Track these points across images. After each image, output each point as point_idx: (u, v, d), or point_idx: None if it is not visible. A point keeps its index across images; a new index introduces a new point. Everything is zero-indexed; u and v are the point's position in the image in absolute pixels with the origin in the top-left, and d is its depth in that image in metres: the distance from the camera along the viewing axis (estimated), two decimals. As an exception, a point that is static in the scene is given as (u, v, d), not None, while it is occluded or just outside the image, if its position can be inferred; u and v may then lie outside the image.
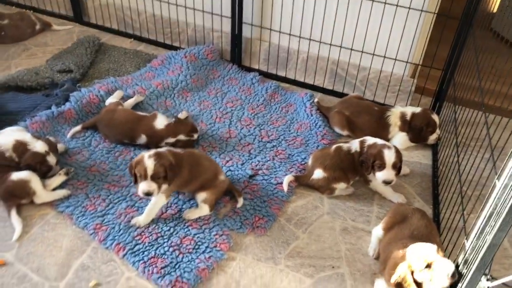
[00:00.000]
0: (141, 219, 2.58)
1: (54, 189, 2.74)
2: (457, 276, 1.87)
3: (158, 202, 2.58)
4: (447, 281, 1.89)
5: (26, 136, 2.75)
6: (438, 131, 3.27)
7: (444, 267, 1.90)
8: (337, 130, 3.38)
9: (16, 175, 2.60)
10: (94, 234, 2.53)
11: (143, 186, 2.44)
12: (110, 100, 3.33)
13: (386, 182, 2.75)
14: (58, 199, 2.69)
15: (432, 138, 3.28)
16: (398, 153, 2.76)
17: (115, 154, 3.05)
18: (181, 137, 3.04)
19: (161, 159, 2.46)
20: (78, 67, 3.76)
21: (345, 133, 3.36)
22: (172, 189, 2.60)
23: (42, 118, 3.15)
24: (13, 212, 2.56)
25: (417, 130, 3.23)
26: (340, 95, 3.74)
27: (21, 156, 2.69)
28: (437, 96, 3.53)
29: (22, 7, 4.75)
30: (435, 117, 3.25)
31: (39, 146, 2.72)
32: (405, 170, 3.08)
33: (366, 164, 2.76)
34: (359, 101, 3.45)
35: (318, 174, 2.85)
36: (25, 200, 2.62)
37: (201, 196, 2.65)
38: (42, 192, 2.64)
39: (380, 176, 2.74)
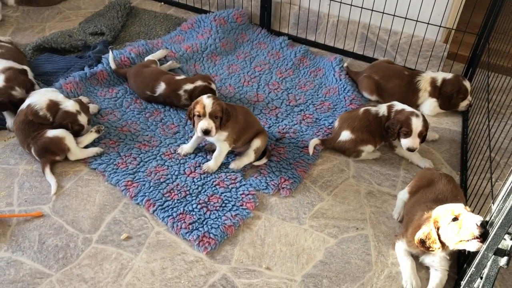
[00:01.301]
0: (211, 165, 2.71)
1: (86, 147, 2.83)
2: (486, 226, 1.86)
3: (223, 148, 2.69)
4: (476, 230, 1.88)
5: (58, 96, 2.83)
6: (469, 97, 3.20)
7: (472, 218, 1.91)
8: (366, 95, 3.35)
9: (51, 132, 2.70)
10: (125, 191, 2.63)
11: (202, 124, 2.53)
12: (149, 57, 3.41)
13: (410, 150, 2.74)
14: (91, 156, 2.79)
15: (463, 104, 3.22)
16: (425, 122, 2.73)
17: (146, 115, 3.12)
18: (199, 82, 3.07)
19: (218, 100, 2.58)
20: (109, 30, 3.82)
21: (373, 98, 3.33)
22: (232, 136, 2.68)
23: (75, 79, 3.24)
24: (47, 169, 2.68)
25: (447, 96, 3.17)
26: (370, 60, 3.69)
27: (55, 115, 2.78)
28: (470, 62, 3.44)
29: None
30: (466, 83, 3.18)
31: (70, 106, 2.80)
32: (434, 136, 3.05)
33: (392, 129, 2.75)
34: (389, 65, 3.40)
35: (345, 135, 2.85)
36: (59, 157, 2.74)
37: (255, 143, 2.74)
38: (76, 149, 2.75)
39: (405, 143, 2.73)
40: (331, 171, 2.83)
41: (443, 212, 2.01)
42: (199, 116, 2.55)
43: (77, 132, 2.85)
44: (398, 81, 3.25)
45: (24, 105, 2.79)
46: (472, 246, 1.91)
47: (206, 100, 2.54)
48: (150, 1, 4.44)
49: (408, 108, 2.79)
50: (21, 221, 2.48)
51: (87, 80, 3.29)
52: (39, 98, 2.80)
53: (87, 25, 3.92)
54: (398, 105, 2.83)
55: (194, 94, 3.04)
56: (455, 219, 1.97)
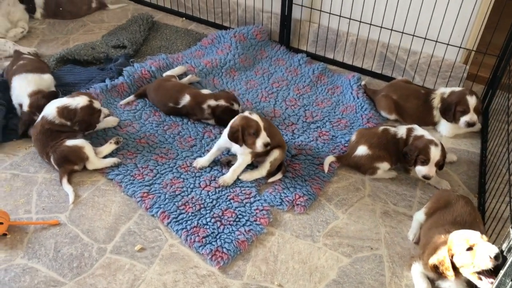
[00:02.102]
0: (227, 178, 2.72)
1: (105, 157, 2.87)
2: (500, 259, 1.82)
3: (244, 161, 2.73)
4: (490, 263, 1.84)
5: (63, 100, 2.85)
6: (472, 115, 3.06)
7: (487, 249, 1.87)
8: (384, 114, 3.34)
9: (70, 142, 2.75)
10: (141, 202, 2.65)
11: (264, 139, 2.62)
12: (168, 72, 3.47)
13: (426, 178, 2.72)
14: (109, 166, 2.83)
15: (463, 119, 3.07)
16: (443, 151, 2.71)
17: (164, 128, 3.15)
18: (222, 102, 3.10)
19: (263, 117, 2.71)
20: (131, 43, 3.89)
21: (392, 117, 3.32)
22: None
23: (96, 90, 3.31)
24: (64, 180, 2.72)
25: (446, 106, 3.11)
26: (389, 79, 3.68)
27: (71, 118, 2.82)
28: (490, 84, 3.40)
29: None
30: (470, 98, 3.05)
31: (81, 100, 2.84)
32: (451, 157, 3.02)
33: (410, 156, 2.73)
34: (407, 85, 3.39)
35: (362, 150, 2.84)
36: (77, 166, 2.78)
37: (273, 154, 2.76)
38: (95, 158, 2.79)
39: (421, 171, 2.71)
40: (347, 189, 2.81)
41: (458, 240, 1.98)
42: (254, 134, 2.61)
43: (97, 119, 2.91)
44: (415, 100, 3.23)
45: (39, 118, 2.86)
46: (484, 285, 1.87)
47: (257, 116, 2.65)
48: (172, 16, 4.52)
49: (428, 135, 2.76)
50: (38, 228, 2.52)
51: (107, 92, 3.35)
52: (48, 108, 2.84)
53: (110, 38, 4.00)
54: (418, 130, 2.81)
55: (216, 112, 3.08)
56: (469, 248, 1.93)
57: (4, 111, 3.07)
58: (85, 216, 2.59)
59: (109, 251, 2.42)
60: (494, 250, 1.85)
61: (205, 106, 3.11)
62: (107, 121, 3.08)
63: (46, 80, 3.23)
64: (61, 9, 4.37)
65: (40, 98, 3.01)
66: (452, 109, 3.07)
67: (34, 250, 2.41)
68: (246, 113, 2.66)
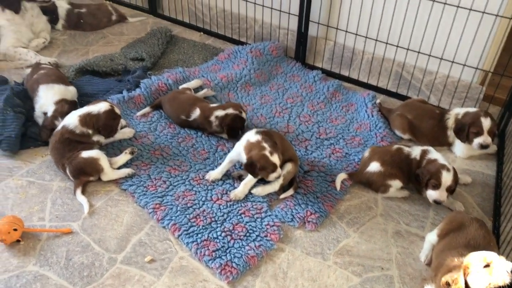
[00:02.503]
0: (239, 192, 2.73)
1: (119, 168, 2.91)
2: None
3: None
4: (508, 277, 1.82)
5: (84, 109, 2.92)
6: (486, 137, 3.02)
7: (504, 265, 1.85)
8: (398, 133, 3.33)
9: (86, 153, 2.79)
10: (153, 213, 2.67)
11: (278, 173, 2.69)
12: (184, 85, 3.51)
13: (436, 202, 2.69)
14: (123, 177, 2.86)
15: (477, 141, 3.03)
16: (455, 176, 2.69)
17: (178, 140, 3.18)
18: (230, 110, 3.13)
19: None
20: (149, 56, 3.95)
21: (406, 136, 3.30)
22: None
23: (113, 101, 3.36)
24: (78, 191, 2.75)
25: (460, 126, 3.08)
26: (404, 98, 3.68)
27: (93, 124, 2.88)
28: (507, 105, 3.37)
29: (103, -3, 5.07)
30: (485, 120, 3.02)
31: (103, 106, 2.92)
32: (466, 179, 2.99)
33: (422, 178, 2.71)
34: (422, 104, 3.38)
35: (374, 167, 2.83)
36: (93, 177, 2.81)
37: (286, 167, 2.78)
38: (109, 169, 2.82)
39: (431, 195, 2.69)
40: (359, 207, 2.80)
41: (475, 259, 1.95)
42: (270, 171, 2.68)
43: (118, 126, 3.00)
44: (430, 121, 3.22)
45: (59, 126, 2.91)
46: None
47: (276, 157, 2.67)
48: (190, 31, 4.59)
49: (441, 160, 2.73)
50: (51, 236, 2.55)
51: (124, 103, 3.40)
52: (70, 117, 2.90)
53: (129, 51, 4.07)
54: (432, 153, 2.79)
55: (224, 122, 3.10)
56: (486, 265, 1.91)
57: (23, 119, 3.13)
58: (97, 226, 2.61)
59: (120, 261, 2.43)
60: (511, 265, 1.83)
61: (212, 118, 3.14)
62: (124, 132, 3.13)
63: (71, 91, 3.32)
64: (82, 21, 4.47)
65: (64, 105, 3.09)
66: (466, 130, 3.05)
67: (46, 257, 2.43)
68: (267, 151, 2.64)
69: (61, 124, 2.91)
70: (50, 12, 4.37)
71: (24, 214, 2.66)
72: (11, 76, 3.77)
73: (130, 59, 3.97)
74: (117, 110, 2.97)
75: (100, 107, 2.91)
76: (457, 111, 3.18)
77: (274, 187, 2.79)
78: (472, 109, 3.14)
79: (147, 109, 3.40)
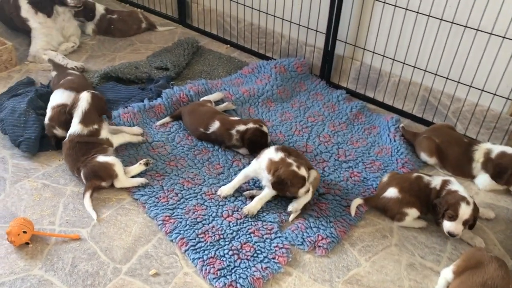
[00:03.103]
0: (252, 208, 2.69)
1: (133, 177, 2.90)
2: None
3: (272, 192, 2.71)
4: None
5: (78, 112, 2.96)
6: None
7: None
8: (424, 156, 3.21)
9: (102, 158, 2.80)
10: (162, 225, 2.64)
11: (307, 187, 2.66)
12: (205, 97, 3.50)
13: (451, 235, 2.57)
14: (135, 186, 2.85)
15: None
16: (475, 211, 2.57)
17: (194, 152, 3.16)
18: (251, 125, 3.10)
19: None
20: (174, 66, 3.97)
21: (432, 160, 3.18)
22: None
23: (134, 109, 3.37)
24: (87, 194, 2.74)
25: (501, 168, 2.94)
26: (429, 123, 3.57)
27: (97, 111, 2.99)
28: (539, 139, 3.23)
29: (134, 5, 5.13)
30: None
31: (85, 96, 2.97)
32: (489, 214, 2.85)
33: (439, 209, 2.60)
34: (450, 131, 3.26)
35: (392, 193, 2.74)
36: (105, 183, 2.81)
37: (312, 174, 2.75)
38: (123, 177, 2.81)
39: (447, 226, 2.57)
40: (373, 235, 2.70)
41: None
42: (300, 186, 2.65)
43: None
44: (457, 148, 3.10)
45: (67, 136, 2.95)
46: None
47: (304, 170, 2.65)
48: (217, 43, 4.60)
49: (462, 192, 2.61)
50: (59, 241, 2.55)
51: (145, 111, 3.41)
52: (73, 127, 2.94)
53: (154, 59, 4.10)
54: (453, 185, 2.67)
55: (246, 135, 3.07)
56: None
57: (43, 121, 3.16)
58: (105, 234, 2.60)
59: (124, 272, 2.40)
60: None
61: (233, 131, 3.11)
62: (132, 130, 3.17)
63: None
64: (112, 27, 4.53)
65: (62, 113, 3.05)
66: (506, 172, 2.92)
67: (52, 262, 2.43)
68: (294, 167, 2.61)
69: (67, 134, 2.94)
70: (89, 10, 4.45)
71: (35, 216, 2.67)
72: (38, 78, 3.85)
73: (154, 68, 3.99)
74: (98, 94, 3.05)
75: (83, 99, 2.95)
76: (488, 147, 3.04)
77: (306, 198, 2.72)
78: (507, 148, 3.00)
79: (167, 119, 3.40)
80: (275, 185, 2.64)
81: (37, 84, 3.74)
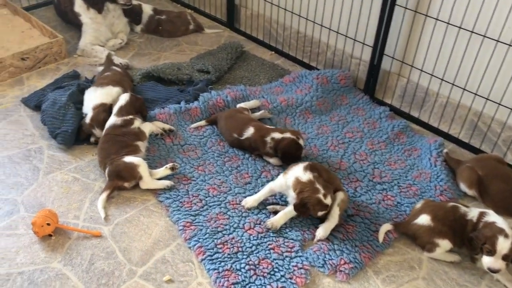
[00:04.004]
0: (275, 221, 2.62)
1: (159, 179, 2.89)
2: None
3: None
4: None
5: (115, 108, 3.14)
6: None
7: None
8: (463, 187, 3.01)
9: (128, 158, 2.81)
10: (182, 231, 2.61)
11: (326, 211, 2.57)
12: (242, 104, 3.45)
13: (491, 271, 2.37)
14: (161, 188, 2.84)
15: None
16: None
17: (224, 159, 3.12)
18: (288, 134, 3.02)
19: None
20: (215, 70, 3.94)
21: (471, 192, 2.97)
22: None
23: (170, 110, 3.37)
24: (105, 194, 2.75)
25: None
26: (476, 150, 3.34)
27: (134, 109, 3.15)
28: None
29: (185, 5, 5.18)
30: None
31: (125, 95, 3.22)
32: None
33: (476, 243, 2.41)
34: (498, 164, 3.02)
35: (424, 220, 2.58)
36: (127, 184, 2.81)
37: (339, 196, 2.65)
38: (149, 178, 2.81)
39: (486, 261, 2.38)
40: (400, 265, 2.54)
41: None
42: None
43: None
44: (502, 184, 2.87)
45: (104, 130, 3.02)
46: None
47: (329, 199, 2.55)
48: (262, 49, 4.54)
49: (500, 223, 2.42)
50: (80, 236, 2.58)
51: (180, 113, 3.40)
52: (109, 120, 3.08)
53: (197, 62, 4.10)
54: (491, 216, 2.48)
55: (280, 145, 3.00)
56: None
57: (81, 116, 3.23)
58: (126, 234, 2.60)
59: (139, 275, 2.39)
60: None
61: (268, 139, 3.04)
62: (156, 124, 3.21)
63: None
64: (160, 27, 4.58)
65: (101, 112, 3.13)
66: None
67: (71, 257, 2.46)
68: (321, 194, 2.51)
69: (104, 129, 3.02)
70: (135, 14, 4.53)
71: (62, 209, 2.72)
72: (84, 72, 3.94)
73: (196, 70, 3.98)
74: (136, 95, 3.27)
75: (122, 98, 3.15)
76: None
77: (335, 219, 2.62)
78: None
79: (202, 122, 3.38)
80: (297, 207, 2.55)
81: (82, 78, 3.83)
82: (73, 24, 4.44)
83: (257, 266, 2.43)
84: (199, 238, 2.56)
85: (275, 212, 2.70)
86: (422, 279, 2.48)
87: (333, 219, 2.61)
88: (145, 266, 2.44)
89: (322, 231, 2.60)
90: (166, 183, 2.84)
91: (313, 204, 2.51)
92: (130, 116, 3.05)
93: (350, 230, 2.67)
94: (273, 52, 4.49)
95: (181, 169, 2.99)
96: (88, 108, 3.22)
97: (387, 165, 3.20)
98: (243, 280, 2.34)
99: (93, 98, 3.24)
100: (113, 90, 3.31)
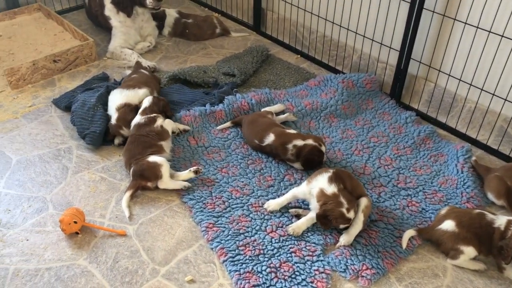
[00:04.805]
0: (296, 227, 2.62)
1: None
2: None
3: None
4: None
5: (141, 109, 3.25)
6: None
7: None
8: (491, 196, 2.94)
9: (152, 158, 2.87)
10: (204, 232, 2.64)
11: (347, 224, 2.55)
12: (267, 108, 3.47)
13: None
14: (178, 188, 2.88)
15: None
16: None
17: (248, 162, 3.14)
18: (310, 141, 3.01)
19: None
20: (241, 73, 3.97)
21: (499, 202, 2.90)
22: None
23: (195, 113, 3.42)
24: (128, 193, 2.81)
25: None
26: (505, 158, 3.26)
27: (157, 109, 3.25)
28: None
29: (212, 9, 5.23)
30: None
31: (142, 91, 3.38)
32: None
33: (505, 252, 2.35)
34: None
35: (448, 225, 2.54)
36: (150, 184, 2.86)
37: (363, 202, 2.62)
38: (167, 178, 2.85)
39: None
40: (423, 272, 2.50)
41: None
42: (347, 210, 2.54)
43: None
44: (532, 195, 2.80)
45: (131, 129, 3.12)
46: None
47: (352, 213, 2.53)
48: (288, 52, 4.55)
49: None
50: (106, 235, 2.63)
51: (205, 116, 3.44)
52: (135, 119, 3.19)
53: (223, 65, 4.14)
54: None
55: (302, 152, 3.00)
56: None
57: (108, 117, 3.31)
58: (150, 234, 2.65)
59: (161, 274, 2.43)
60: None
61: (290, 146, 3.03)
62: (179, 125, 3.29)
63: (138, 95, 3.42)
64: (187, 31, 4.65)
65: (128, 112, 3.21)
66: None
67: (96, 255, 2.52)
68: (344, 208, 2.49)
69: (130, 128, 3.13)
70: (158, 19, 4.62)
71: (88, 208, 2.78)
72: (113, 74, 4.03)
73: (222, 73, 4.02)
74: (160, 97, 3.40)
75: (146, 100, 3.26)
76: None
77: (359, 225, 2.59)
78: None
79: (228, 123, 3.42)
80: (319, 218, 2.55)
81: (110, 80, 3.92)
82: (103, 28, 4.55)
83: (278, 269, 2.43)
84: (221, 240, 2.58)
85: (297, 216, 2.71)
86: (446, 287, 2.43)
87: (357, 225, 2.59)
88: (168, 266, 2.47)
89: (346, 237, 2.58)
90: (184, 184, 2.87)
91: (335, 217, 2.50)
92: (153, 115, 3.13)
93: (373, 236, 2.65)
94: (298, 56, 4.49)
95: (205, 171, 3.02)
96: (111, 109, 3.29)
97: (412, 170, 3.15)
98: (264, 283, 2.35)
99: (116, 99, 3.32)
100: (139, 92, 3.38)
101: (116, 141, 3.25)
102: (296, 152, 3.02)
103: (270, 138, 3.10)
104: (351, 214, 2.51)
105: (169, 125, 3.16)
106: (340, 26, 4.05)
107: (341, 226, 2.57)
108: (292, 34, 4.57)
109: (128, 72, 3.88)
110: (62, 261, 2.49)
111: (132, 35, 4.33)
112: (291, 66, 4.29)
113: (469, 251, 2.49)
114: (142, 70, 3.75)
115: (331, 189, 2.55)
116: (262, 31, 4.83)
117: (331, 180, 2.58)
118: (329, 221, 2.53)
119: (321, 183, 2.59)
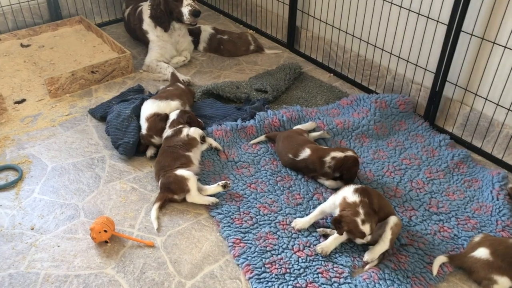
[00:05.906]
0: (325, 246, 2.60)
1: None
2: None
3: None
4: None
5: (169, 121, 3.35)
6: None
7: None
8: (527, 226, 2.85)
9: (180, 171, 2.90)
10: (231, 247, 2.64)
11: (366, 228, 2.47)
12: (301, 126, 3.47)
13: None
14: (206, 204, 2.89)
15: None
16: None
17: (277, 178, 3.13)
18: (350, 153, 3.00)
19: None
20: (273, 90, 3.99)
21: (536, 234, 2.81)
22: None
23: (226, 127, 3.44)
24: (156, 205, 2.85)
25: None
26: (543, 186, 3.15)
27: (183, 121, 3.32)
28: None
29: (247, 26, 5.30)
30: None
31: (174, 103, 3.47)
32: None
33: None
34: None
35: (482, 253, 2.47)
36: (177, 196, 2.88)
37: (391, 220, 2.58)
38: (195, 192, 2.87)
39: None
40: (454, 301, 2.43)
41: None
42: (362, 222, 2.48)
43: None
44: None
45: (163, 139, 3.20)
46: None
47: (368, 227, 2.46)
48: (321, 70, 4.55)
49: None
50: (134, 245, 2.66)
51: (236, 131, 3.47)
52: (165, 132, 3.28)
53: (255, 81, 4.17)
54: None
55: (345, 164, 2.97)
56: None
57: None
58: (177, 246, 2.67)
59: (187, 288, 2.44)
60: None
61: (328, 158, 3.01)
62: (212, 141, 3.32)
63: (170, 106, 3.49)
64: (222, 47, 4.71)
65: (158, 121, 3.28)
66: None
67: (124, 264, 2.55)
68: (359, 219, 2.44)
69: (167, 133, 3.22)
70: (194, 35, 4.71)
71: (118, 217, 2.83)
72: (148, 87, 4.12)
73: (254, 89, 4.05)
74: (185, 110, 3.46)
75: (174, 113, 3.35)
76: None
77: (385, 243, 2.54)
78: None
79: (262, 137, 3.43)
80: (333, 221, 2.51)
81: (145, 92, 4.01)
82: (141, 41, 4.66)
83: (304, 289, 2.40)
84: (248, 256, 2.57)
85: (325, 235, 2.68)
86: (478, 318, 2.35)
87: (384, 243, 2.54)
88: (194, 280, 2.48)
89: (370, 254, 2.53)
90: (212, 199, 2.88)
91: (347, 223, 2.45)
92: (179, 126, 3.21)
93: (403, 260, 2.59)
94: (331, 74, 4.49)
95: (234, 186, 3.03)
96: (142, 119, 3.38)
97: (445, 195, 3.08)
98: (289, 302, 2.33)
99: (147, 109, 3.40)
100: (171, 104, 3.45)
101: (148, 153, 3.31)
102: (335, 164, 2.99)
103: (306, 153, 3.09)
104: (365, 228, 2.44)
105: (195, 132, 3.20)
106: (375, 46, 4.03)
107: (358, 241, 2.52)
108: (326, 52, 4.58)
109: (163, 85, 3.96)
110: (90, 268, 2.53)
111: (169, 49, 4.43)
112: (323, 85, 4.28)
113: (503, 282, 2.40)
114: (178, 83, 3.82)
115: (353, 198, 2.52)
116: (295, 49, 4.86)
117: (356, 191, 2.56)
118: (340, 226, 2.48)
119: (346, 192, 2.58)
